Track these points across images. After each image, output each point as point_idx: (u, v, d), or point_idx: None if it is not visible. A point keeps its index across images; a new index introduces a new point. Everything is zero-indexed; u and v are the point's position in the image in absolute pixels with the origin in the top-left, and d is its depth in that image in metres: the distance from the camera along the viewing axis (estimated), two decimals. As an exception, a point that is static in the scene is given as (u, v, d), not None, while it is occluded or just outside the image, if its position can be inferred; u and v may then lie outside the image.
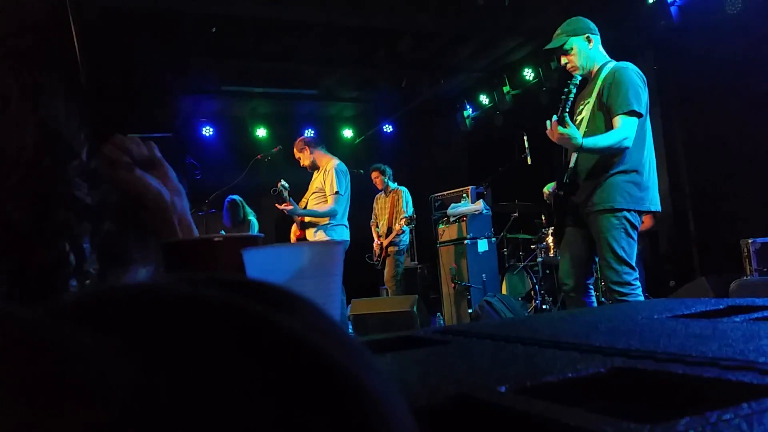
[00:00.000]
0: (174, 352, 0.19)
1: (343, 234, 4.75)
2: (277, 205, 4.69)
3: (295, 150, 5.00)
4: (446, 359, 0.67)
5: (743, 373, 0.46)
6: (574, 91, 2.84)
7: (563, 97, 2.80)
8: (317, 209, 4.73)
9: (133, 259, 1.49)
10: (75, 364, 0.17)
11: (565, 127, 2.74)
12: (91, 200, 0.68)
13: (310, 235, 4.75)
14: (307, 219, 4.79)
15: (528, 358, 0.61)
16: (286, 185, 4.66)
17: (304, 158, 4.92)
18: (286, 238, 5.02)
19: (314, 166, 4.93)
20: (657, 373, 0.50)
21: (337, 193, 4.66)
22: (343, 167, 4.82)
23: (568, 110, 2.79)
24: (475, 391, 0.48)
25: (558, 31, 3.10)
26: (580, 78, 2.92)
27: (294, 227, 5.00)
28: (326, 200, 4.71)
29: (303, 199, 4.90)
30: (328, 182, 4.70)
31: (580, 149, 2.85)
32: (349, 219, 4.86)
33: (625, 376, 0.52)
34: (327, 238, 4.65)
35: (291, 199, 4.65)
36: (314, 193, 4.83)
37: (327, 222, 4.70)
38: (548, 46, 3.13)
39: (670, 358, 0.55)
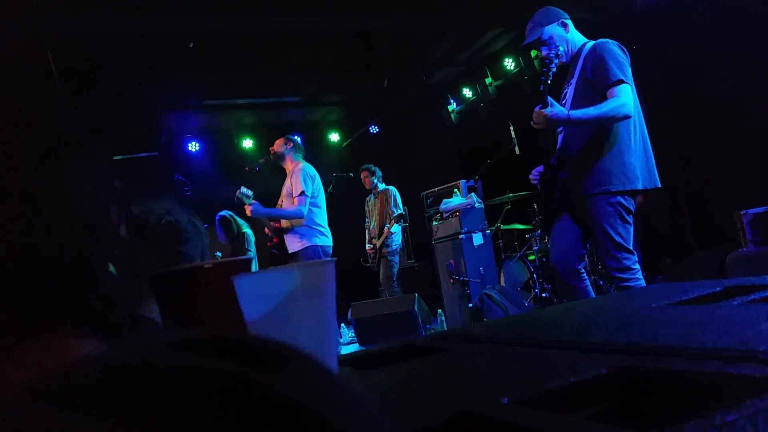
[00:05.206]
0: (162, 426, 0.19)
1: (324, 240, 4.64)
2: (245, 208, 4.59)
3: (276, 141, 4.88)
4: (447, 370, 0.66)
5: (744, 365, 0.46)
6: (548, 82, 2.83)
7: (541, 88, 2.79)
8: (283, 209, 4.62)
9: (148, 293, 1.49)
10: None
11: (546, 107, 2.75)
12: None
13: (287, 240, 4.63)
14: (284, 224, 4.69)
15: (529, 363, 0.61)
16: (246, 191, 4.54)
17: (278, 147, 4.81)
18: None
19: (280, 160, 4.83)
20: (658, 371, 0.50)
21: (302, 193, 4.53)
22: (310, 170, 4.70)
23: (549, 96, 2.78)
24: (478, 404, 0.47)
25: (530, 25, 3.07)
26: (554, 70, 2.91)
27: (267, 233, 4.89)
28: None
29: (276, 205, 4.82)
30: (294, 185, 4.60)
31: (568, 121, 2.79)
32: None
33: (626, 376, 0.52)
34: (307, 244, 4.56)
35: (255, 202, 4.52)
36: (286, 198, 4.74)
37: (301, 225, 4.57)
38: (526, 42, 3.09)
39: (670, 352, 0.55)
